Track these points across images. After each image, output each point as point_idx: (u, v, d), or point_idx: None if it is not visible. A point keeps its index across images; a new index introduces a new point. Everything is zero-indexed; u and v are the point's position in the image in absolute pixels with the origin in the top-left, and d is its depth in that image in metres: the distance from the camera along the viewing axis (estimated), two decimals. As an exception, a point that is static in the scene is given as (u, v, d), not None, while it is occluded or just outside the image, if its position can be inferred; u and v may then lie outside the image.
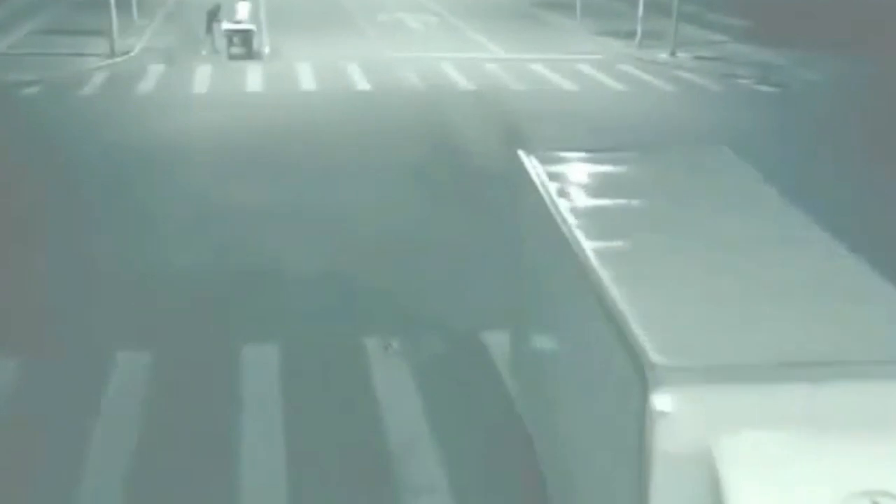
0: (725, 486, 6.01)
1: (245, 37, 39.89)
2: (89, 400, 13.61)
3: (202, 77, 35.86)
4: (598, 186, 9.78)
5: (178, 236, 19.97)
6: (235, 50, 39.75)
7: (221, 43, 39.66)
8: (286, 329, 15.89)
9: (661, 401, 6.42)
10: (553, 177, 9.79)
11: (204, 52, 39.53)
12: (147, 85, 34.53)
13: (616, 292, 7.60)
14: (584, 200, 9.32)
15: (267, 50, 41.07)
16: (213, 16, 40.61)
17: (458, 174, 24.39)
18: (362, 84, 35.07)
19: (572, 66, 38.88)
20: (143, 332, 15.74)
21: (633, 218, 9.06)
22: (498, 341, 14.31)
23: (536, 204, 9.57)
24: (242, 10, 40.72)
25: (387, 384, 14.08)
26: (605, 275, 7.88)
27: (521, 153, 10.52)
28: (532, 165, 10.19)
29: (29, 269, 18.31)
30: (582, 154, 10.77)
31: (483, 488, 11.53)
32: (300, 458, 12.31)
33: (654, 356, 6.85)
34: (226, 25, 40.00)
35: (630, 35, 43.51)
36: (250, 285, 17.61)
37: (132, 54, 39.45)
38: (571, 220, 8.82)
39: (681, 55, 40.76)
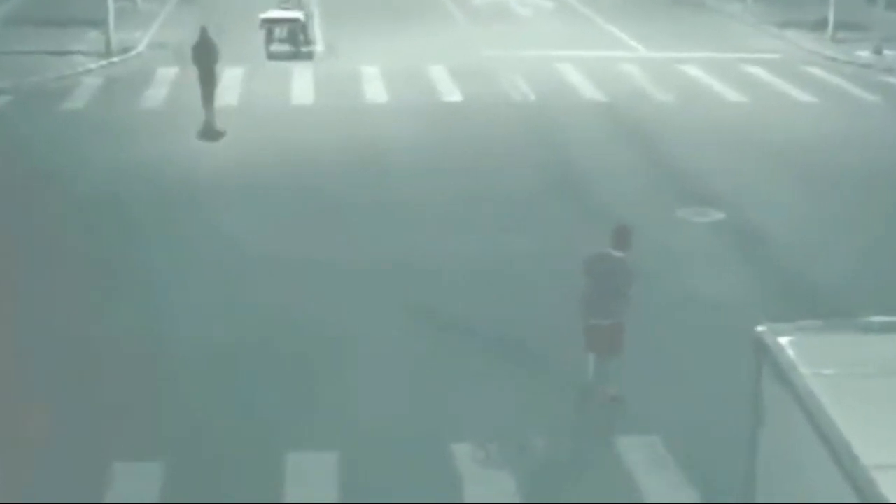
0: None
1: (291, 29, 39.62)
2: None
3: (231, 83, 35.57)
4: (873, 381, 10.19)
5: (194, 308, 19.80)
6: (277, 47, 39.48)
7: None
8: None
9: None
10: (812, 364, 10.29)
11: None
12: (155, 95, 34.55)
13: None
14: (855, 400, 9.70)
15: (320, 47, 41.05)
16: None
17: (580, 222, 23.33)
18: (451, 94, 35.12)
19: (739, 67, 38.99)
20: (154, 439, 15.70)
21: None
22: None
23: (789, 395, 10.10)
24: None
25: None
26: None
27: (761, 330, 11.01)
28: (781, 347, 10.66)
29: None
30: (847, 332, 11.18)
31: None
32: None
33: None
34: (265, 14, 39.77)
35: (818, 26, 43.85)
36: (293, 375, 17.49)
37: (135, 52, 39.83)
38: (840, 428, 9.22)
39: (889, 53, 40.75)
